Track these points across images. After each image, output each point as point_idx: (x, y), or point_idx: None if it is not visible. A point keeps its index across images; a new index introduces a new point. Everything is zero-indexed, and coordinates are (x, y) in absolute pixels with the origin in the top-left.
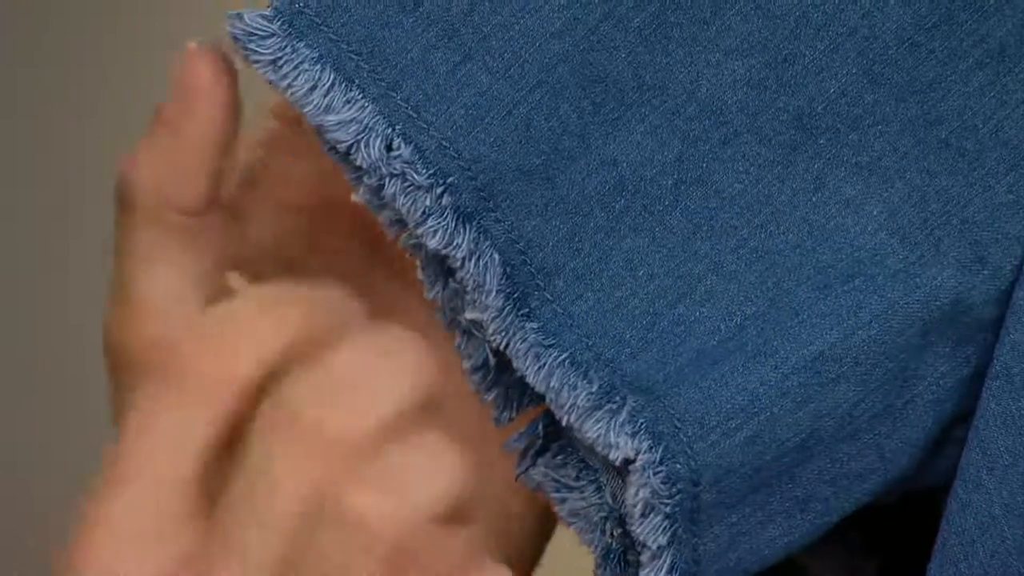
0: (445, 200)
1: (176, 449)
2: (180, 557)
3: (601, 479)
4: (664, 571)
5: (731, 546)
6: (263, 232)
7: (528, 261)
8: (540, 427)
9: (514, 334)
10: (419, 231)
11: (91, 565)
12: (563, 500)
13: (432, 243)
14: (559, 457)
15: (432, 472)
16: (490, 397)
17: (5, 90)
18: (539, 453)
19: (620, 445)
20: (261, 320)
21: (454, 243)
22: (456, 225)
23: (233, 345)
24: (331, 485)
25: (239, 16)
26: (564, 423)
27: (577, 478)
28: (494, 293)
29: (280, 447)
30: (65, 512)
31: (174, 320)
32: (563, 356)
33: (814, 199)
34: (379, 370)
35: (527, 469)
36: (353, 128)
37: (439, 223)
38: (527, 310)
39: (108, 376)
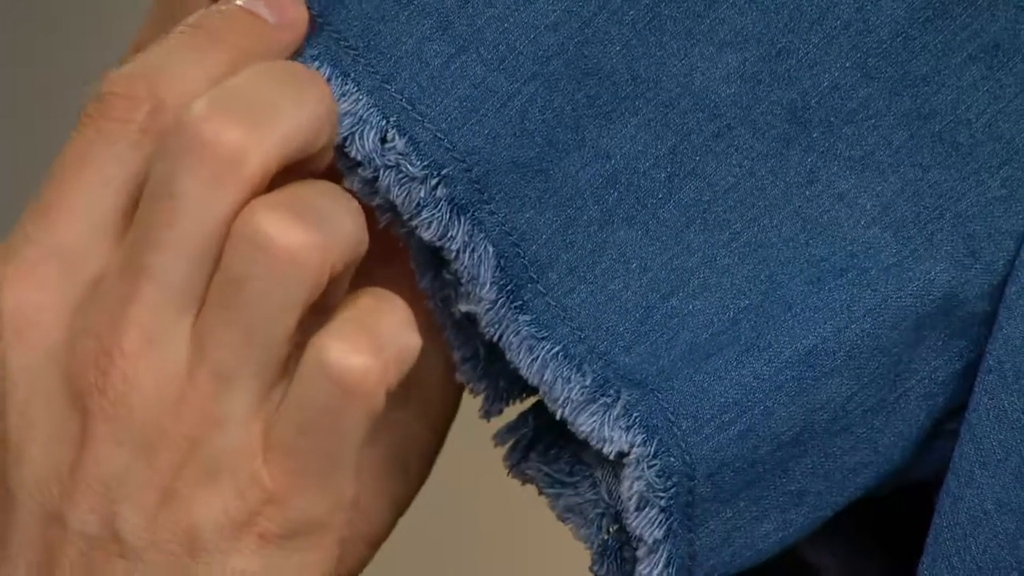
0: (439, 192)
1: (107, 181)
2: (92, 282)
3: (596, 474)
4: (660, 566)
5: (726, 541)
6: None
7: (522, 253)
8: (531, 420)
9: (507, 326)
10: (413, 222)
11: (10, 292)
12: (558, 496)
13: (426, 235)
14: (552, 451)
15: (350, 212)
16: (480, 388)
17: (5, 90)
18: (530, 447)
19: (614, 439)
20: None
21: (448, 235)
22: (451, 217)
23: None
24: (237, 206)
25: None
26: (558, 417)
27: (571, 473)
28: (488, 285)
29: (179, 161)
30: None
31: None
32: (556, 349)
33: (807, 192)
34: (281, 91)
35: (518, 462)
36: (347, 121)
37: (433, 215)
38: (520, 302)
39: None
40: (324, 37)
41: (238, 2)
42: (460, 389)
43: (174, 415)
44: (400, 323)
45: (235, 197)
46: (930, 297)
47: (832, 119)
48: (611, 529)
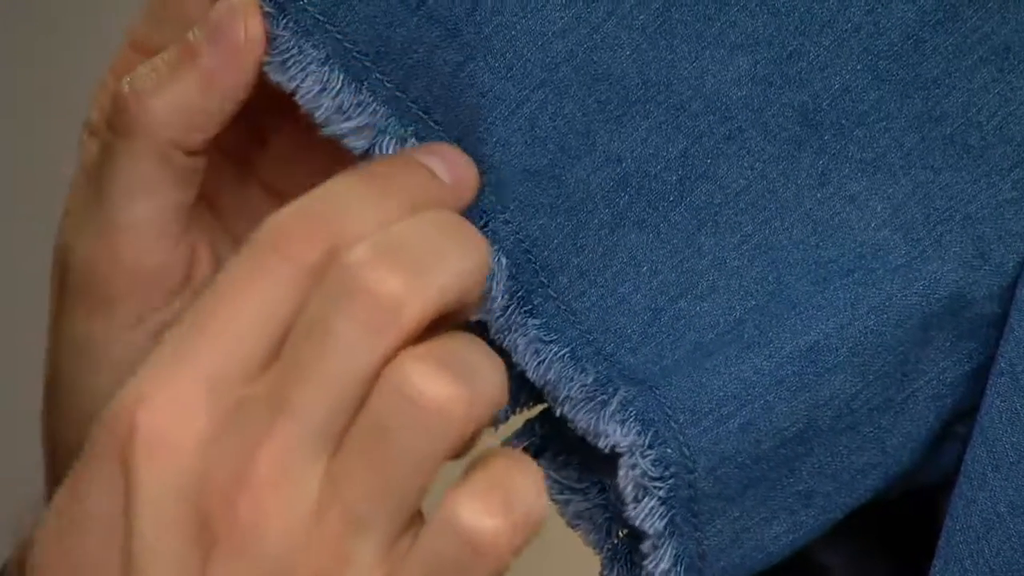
0: None
1: (265, 318)
2: (232, 411)
3: (604, 480)
4: (667, 562)
5: (736, 542)
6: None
7: (533, 259)
8: (538, 427)
9: (515, 331)
10: None
11: (149, 412)
12: (567, 502)
13: None
14: (560, 458)
15: (495, 368)
16: None
17: (5, 90)
18: (538, 454)
19: (609, 433)
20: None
21: None
22: None
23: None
24: (390, 353)
25: None
26: (558, 414)
27: (579, 480)
28: (500, 296)
29: (339, 303)
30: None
31: (155, 251)
32: (563, 351)
33: (818, 195)
34: (445, 244)
35: None
36: (367, 133)
37: None
38: (530, 307)
39: (54, 289)
40: (330, 39)
41: (418, 157)
42: None
43: (302, 553)
44: (533, 487)
45: (389, 345)
46: (936, 297)
47: (843, 122)
48: (620, 534)
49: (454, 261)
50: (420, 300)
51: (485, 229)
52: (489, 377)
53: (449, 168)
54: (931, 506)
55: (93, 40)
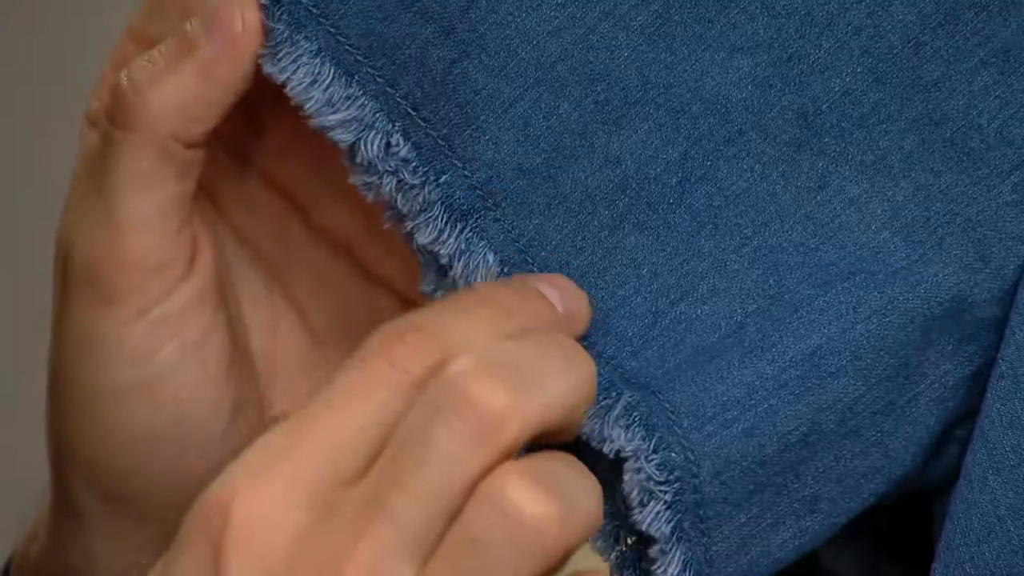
0: (434, 196)
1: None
2: (326, 513)
3: (608, 488)
4: (676, 566)
5: (742, 548)
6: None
7: (530, 260)
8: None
9: None
10: (411, 227)
11: (245, 504)
12: None
13: (421, 239)
14: None
15: (592, 490)
16: None
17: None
18: None
19: (613, 438)
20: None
21: (440, 239)
22: (446, 223)
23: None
24: (488, 467)
25: None
26: None
27: None
28: None
29: (442, 413)
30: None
31: (157, 244)
32: None
33: (818, 197)
34: (551, 364)
35: None
36: (354, 127)
37: (428, 218)
38: None
39: (57, 283)
40: (322, 32)
41: (533, 283)
42: None
43: None
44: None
45: (488, 459)
46: (937, 300)
47: (844, 124)
48: (628, 540)
49: (559, 380)
50: (522, 416)
51: (475, 225)
52: (585, 499)
53: (563, 298)
54: (934, 509)
55: (91, 34)
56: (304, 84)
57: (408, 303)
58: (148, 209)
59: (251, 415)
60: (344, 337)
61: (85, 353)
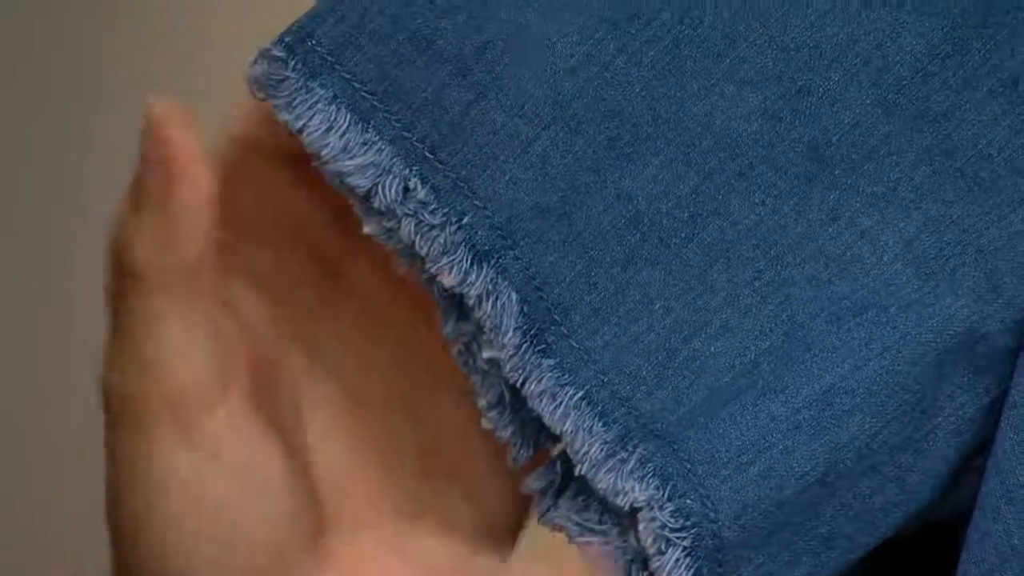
0: (458, 238)
1: None
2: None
3: (624, 521)
4: None
5: None
6: (236, 260)
7: (544, 297)
8: (558, 466)
9: (530, 372)
10: (434, 269)
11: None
12: (588, 544)
13: (448, 281)
14: (580, 498)
15: None
16: (507, 435)
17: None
18: (559, 494)
19: (627, 491)
20: None
21: (467, 281)
22: (471, 264)
23: None
24: None
25: (255, 60)
26: (577, 473)
27: (600, 521)
28: (511, 331)
29: None
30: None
31: (182, 374)
32: (579, 394)
33: (830, 230)
34: None
35: (547, 511)
36: (371, 172)
37: (453, 261)
38: (544, 346)
39: (108, 420)
40: (337, 79)
41: None
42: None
43: None
44: None
45: None
46: (950, 333)
47: (854, 156)
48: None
49: None
50: None
51: (495, 265)
52: None
53: None
54: (951, 538)
55: (94, 40)
56: (320, 131)
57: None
58: (165, 345)
59: (310, 523)
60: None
61: (134, 481)
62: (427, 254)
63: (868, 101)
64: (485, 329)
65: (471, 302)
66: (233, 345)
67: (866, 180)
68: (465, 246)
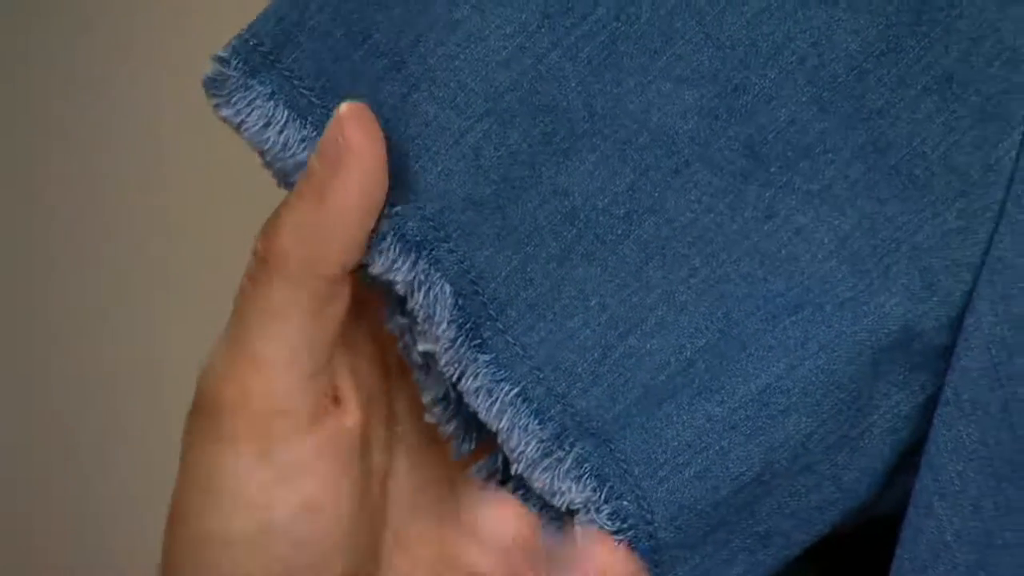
0: (385, 227)
1: None
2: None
3: (562, 517)
4: None
5: None
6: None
7: (480, 291)
8: (499, 459)
9: (466, 367)
10: (363, 259)
11: None
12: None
13: (375, 270)
14: (519, 492)
15: None
16: (450, 429)
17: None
18: (500, 484)
19: (564, 491)
20: None
21: (393, 269)
22: (399, 252)
23: None
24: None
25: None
26: (513, 471)
27: (539, 515)
28: (445, 324)
29: None
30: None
31: (282, 386)
32: (515, 391)
33: (765, 228)
34: None
35: None
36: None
37: (379, 249)
38: (479, 340)
39: (190, 414)
40: (276, 75)
41: None
42: None
43: None
44: None
45: None
46: (885, 331)
47: (789, 154)
48: None
49: None
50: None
51: (429, 257)
52: None
53: None
54: (891, 535)
55: (93, 40)
56: (258, 127)
57: None
58: (276, 345)
59: (370, 570)
60: None
61: (202, 493)
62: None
63: (803, 99)
64: (419, 320)
65: (400, 290)
66: (352, 390)
67: (801, 177)
68: (393, 235)
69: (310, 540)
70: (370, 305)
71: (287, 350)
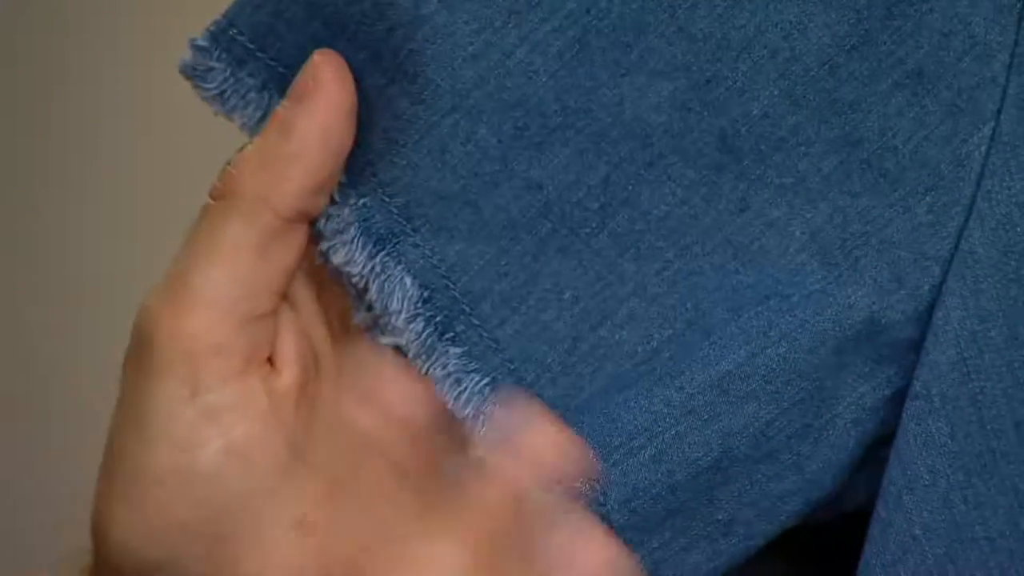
0: (351, 219)
1: None
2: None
3: None
4: None
5: (654, 573)
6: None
7: (451, 285)
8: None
9: (436, 359)
10: (324, 247)
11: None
12: None
13: (334, 260)
14: None
15: None
16: None
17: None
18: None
19: None
20: None
21: (352, 261)
22: (359, 246)
23: None
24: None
25: (186, 49)
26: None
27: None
28: (406, 317)
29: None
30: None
31: (218, 323)
32: (484, 381)
33: (739, 220)
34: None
35: None
36: None
37: (342, 241)
38: (452, 334)
39: (127, 354)
40: (263, 67)
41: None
42: None
43: None
44: None
45: None
46: (849, 322)
47: (762, 147)
48: None
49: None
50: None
51: (392, 250)
52: None
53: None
54: (849, 531)
55: (92, 41)
56: (255, 119)
57: None
58: (217, 284)
59: (315, 528)
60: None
61: (134, 428)
62: (325, 235)
63: (776, 92)
64: (379, 313)
65: (357, 282)
66: (293, 343)
67: (774, 171)
68: (357, 226)
69: (236, 486)
70: (322, 271)
71: (228, 289)
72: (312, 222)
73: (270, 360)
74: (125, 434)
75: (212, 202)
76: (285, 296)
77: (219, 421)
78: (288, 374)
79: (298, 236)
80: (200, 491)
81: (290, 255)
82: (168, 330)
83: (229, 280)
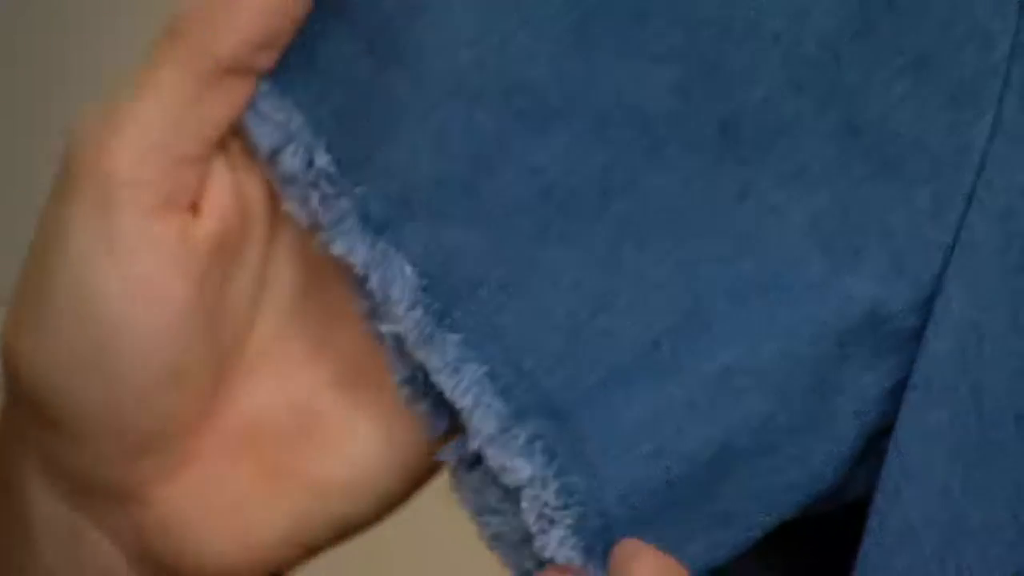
0: (349, 207)
1: None
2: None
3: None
4: None
5: None
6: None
7: (450, 271)
8: (468, 442)
9: (434, 347)
10: (324, 239)
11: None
12: (486, 524)
13: (336, 251)
14: (488, 476)
15: None
16: (419, 410)
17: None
18: (469, 468)
19: (515, 468)
20: None
21: (352, 251)
22: (358, 234)
23: None
24: None
25: None
26: (470, 448)
27: (502, 500)
28: (406, 305)
29: None
30: None
31: (139, 156)
32: (483, 370)
33: (740, 208)
34: None
35: (458, 485)
36: (277, 136)
37: (341, 231)
38: (450, 321)
39: (53, 182)
40: None
41: None
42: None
43: None
44: None
45: None
46: (851, 312)
47: (764, 133)
48: (531, 559)
49: None
50: None
51: (391, 237)
52: None
53: None
54: (843, 524)
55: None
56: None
57: None
58: (144, 119)
59: (201, 386)
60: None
61: (42, 254)
62: (325, 225)
63: (778, 78)
64: (378, 301)
65: (359, 273)
66: (214, 187)
67: (776, 157)
68: (356, 215)
69: (133, 328)
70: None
71: (156, 125)
72: (257, 76)
73: (194, 208)
74: (34, 258)
75: (153, 49)
76: (222, 149)
77: (120, 257)
78: (208, 223)
79: (239, 88)
80: (95, 330)
81: (228, 105)
82: (88, 157)
83: (159, 117)
